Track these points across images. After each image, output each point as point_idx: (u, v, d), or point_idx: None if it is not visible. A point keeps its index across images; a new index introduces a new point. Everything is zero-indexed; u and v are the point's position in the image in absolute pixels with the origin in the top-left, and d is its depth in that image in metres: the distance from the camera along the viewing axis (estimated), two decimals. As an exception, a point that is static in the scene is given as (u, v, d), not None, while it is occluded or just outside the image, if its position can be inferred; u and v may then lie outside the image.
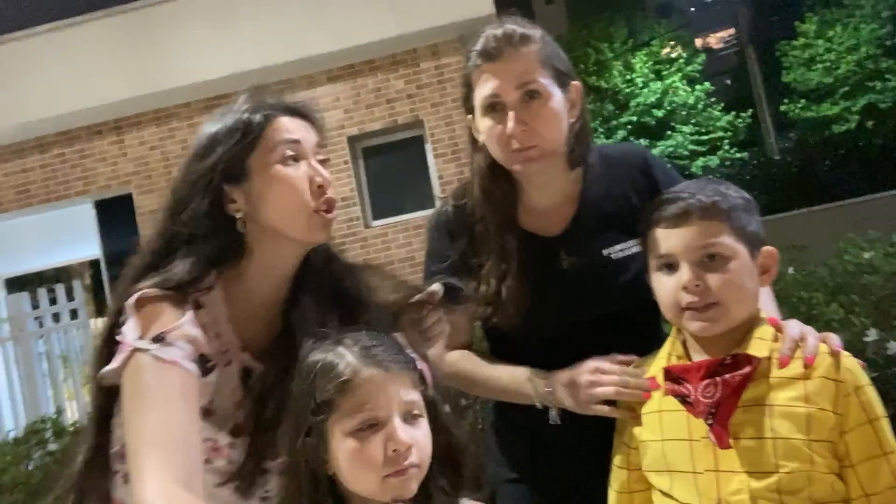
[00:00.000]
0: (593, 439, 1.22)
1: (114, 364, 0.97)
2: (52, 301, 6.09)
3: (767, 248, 1.11)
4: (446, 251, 1.32)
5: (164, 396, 0.92)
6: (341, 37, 6.44)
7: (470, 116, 1.30)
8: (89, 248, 7.59)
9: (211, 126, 1.11)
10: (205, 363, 1.02)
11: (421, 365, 1.02)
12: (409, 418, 0.96)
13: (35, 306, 5.94)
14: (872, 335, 2.21)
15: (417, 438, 0.96)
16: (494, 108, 1.23)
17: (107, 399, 1.02)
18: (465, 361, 1.32)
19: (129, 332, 0.97)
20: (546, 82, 1.22)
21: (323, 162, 1.11)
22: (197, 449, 0.92)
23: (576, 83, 1.27)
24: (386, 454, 0.93)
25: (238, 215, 1.06)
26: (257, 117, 1.08)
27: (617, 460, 1.18)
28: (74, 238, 7.73)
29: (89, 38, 6.86)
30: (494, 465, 1.40)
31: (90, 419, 1.07)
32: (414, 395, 0.98)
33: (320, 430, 0.96)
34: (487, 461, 1.42)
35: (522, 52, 1.21)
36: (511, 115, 1.20)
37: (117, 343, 0.98)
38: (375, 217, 6.80)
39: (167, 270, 1.03)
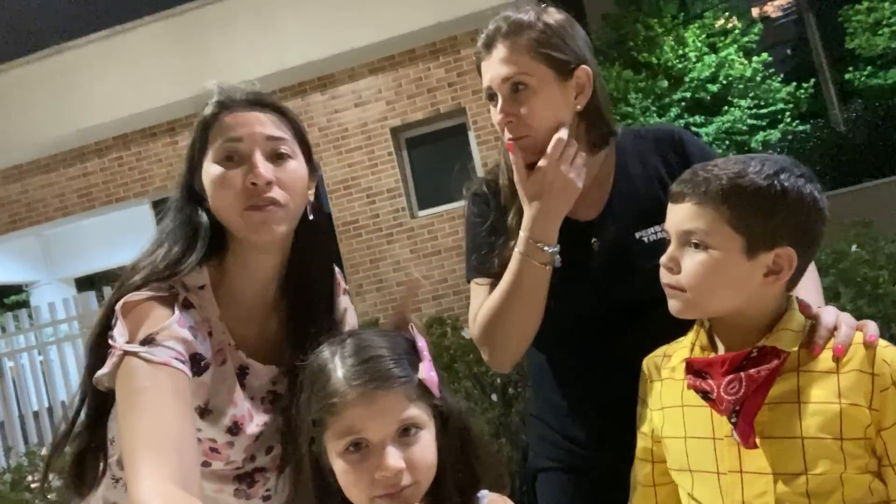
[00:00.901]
0: (619, 425, 1.19)
1: (106, 368, 0.97)
2: (117, 298, 6.33)
3: (783, 250, 0.99)
4: (482, 225, 1.32)
5: (157, 398, 0.91)
6: (381, 28, 6.45)
7: None
8: (150, 246, 7.88)
9: None
10: (198, 363, 1.01)
11: (424, 372, 0.95)
12: (405, 434, 0.92)
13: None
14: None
15: (413, 457, 0.91)
16: (490, 97, 1.25)
17: (102, 400, 1.03)
18: (483, 308, 1.27)
19: (118, 337, 0.98)
20: (536, 73, 1.20)
21: (281, 156, 1.06)
22: (192, 449, 0.91)
23: (584, 67, 1.24)
24: (374, 478, 0.90)
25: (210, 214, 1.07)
26: (208, 113, 1.07)
27: (639, 452, 1.14)
28: (135, 237, 8.02)
29: (141, 43, 7.08)
30: (533, 454, 1.40)
31: (85, 420, 1.07)
32: (411, 411, 0.92)
33: (321, 443, 0.95)
34: (529, 450, 1.42)
35: (511, 44, 1.21)
36: (498, 106, 1.23)
37: (109, 346, 0.99)
38: (421, 207, 6.82)
39: (149, 265, 1.04)
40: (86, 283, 9.51)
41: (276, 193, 1.03)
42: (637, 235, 1.25)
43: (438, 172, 6.81)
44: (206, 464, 1.07)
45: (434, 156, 6.85)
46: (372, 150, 6.77)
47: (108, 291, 6.10)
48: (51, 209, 7.64)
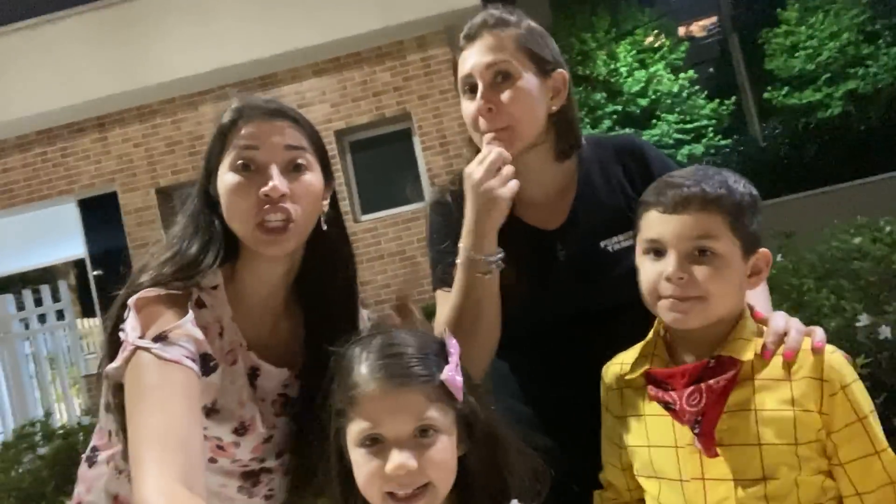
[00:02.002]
0: (582, 431, 1.20)
1: (116, 362, 0.96)
2: (38, 302, 6.02)
3: (763, 251, 1.06)
4: (444, 234, 1.30)
5: (165, 395, 0.91)
6: (327, 29, 6.39)
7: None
8: (74, 247, 7.51)
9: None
10: (207, 363, 1.01)
11: (448, 374, 0.94)
12: (423, 435, 0.91)
13: (20, 308, 5.88)
14: (864, 320, 2.23)
15: (429, 459, 0.90)
16: (470, 88, 1.24)
17: (118, 394, 1.01)
18: (438, 319, 1.27)
19: (131, 331, 0.97)
20: (519, 64, 1.22)
21: (298, 168, 1.05)
22: (198, 448, 0.91)
23: (561, 71, 1.26)
24: (386, 475, 0.90)
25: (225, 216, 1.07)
26: (226, 120, 1.07)
27: (610, 458, 1.16)
28: (58, 238, 7.65)
29: (70, 35, 6.76)
30: None
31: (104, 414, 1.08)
32: (430, 412, 0.91)
33: (344, 434, 0.95)
34: None
35: (497, 34, 1.22)
36: (479, 93, 1.21)
37: (121, 340, 0.98)
38: (364, 212, 6.78)
39: (181, 252, 1.04)
40: (0, 286, 8.95)
41: (289, 206, 1.03)
42: (602, 245, 1.27)
43: (382, 177, 6.79)
44: (212, 460, 1.07)
45: (378, 160, 6.82)
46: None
47: (27, 295, 5.82)
48: (-34, 206, 7.18)
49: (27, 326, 6.00)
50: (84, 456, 1.18)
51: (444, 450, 0.93)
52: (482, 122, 1.21)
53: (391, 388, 0.91)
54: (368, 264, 6.54)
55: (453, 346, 0.99)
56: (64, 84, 6.59)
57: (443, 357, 0.97)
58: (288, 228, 1.03)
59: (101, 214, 7.11)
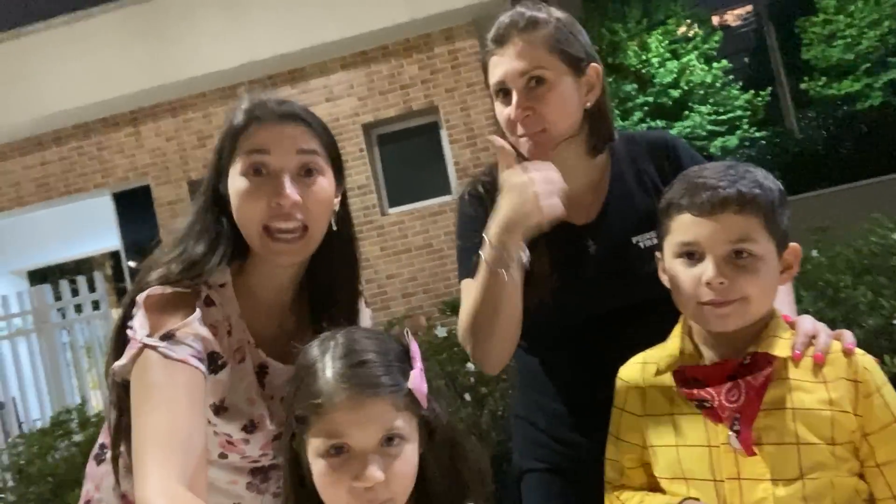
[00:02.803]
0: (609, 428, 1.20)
1: (123, 360, 0.97)
2: (74, 292, 6.17)
3: (793, 246, 1.05)
4: (477, 227, 1.27)
5: (170, 395, 0.91)
6: (354, 23, 6.39)
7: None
8: (109, 239, 7.68)
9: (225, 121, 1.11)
10: (215, 361, 1.01)
11: (414, 382, 0.92)
12: (388, 444, 0.89)
13: (57, 298, 6.02)
14: (902, 319, 2.16)
15: (393, 470, 0.89)
16: (504, 93, 1.23)
17: (123, 393, 1.01)
18: (462, 312, 1.25)
19: (139, 329, 0.97)
20: (553, 68, 1.20)
21: (310, 172, 1.05)
22: (201, 449, 0.91)
23: (594, 65, 1.25)
24: (353, 487, 0.87)
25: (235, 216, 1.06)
26: (239, 122, 1.06)
27: (624, 457, 1.14)
28: (94, 230, 7.82)
29: (104, 30, 6.87)
30: (518, 454, 1.40)
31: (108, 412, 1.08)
32: (397, 421, 0.90)
33: (302, 441, 0.92)
34: (513, 450, 1.42)
35: (529, 38, 1.20)
36: (514, 101, 1.20)
37: (128, 338, 0.98)
38: (392, 205, 6.78)
39: (187, 250, 1.04)
40: (39, 277, 9.19)
41: (300, 214, 1.03)
42: (634, 240, 1.26)
43: (410, 170, 6.79)
44: (222, 455, 1.08)
45: (405, 153, 6.82)
46: (343, 146, 6.58)
47: (64, 286, 5.97)
48: (5, 199, 7.36)
49: (64, 316, 6.15)
50: (93, 453, 1.20)
51: (409, 460, 0.91)
52: (519, 126, 1.21)
53: (359, 399, 0.88)
54: (395, 257, 6.56)
55: (415, 351, 0.97)
56: (98, 79, 6.70)
57: (406, 362, 0.95)
58: (303, 238, 1.04)
59: (135, 207, 7.24)
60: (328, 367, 0.90)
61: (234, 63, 6.48)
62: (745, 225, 0.99)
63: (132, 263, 7.36)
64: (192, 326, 0.97)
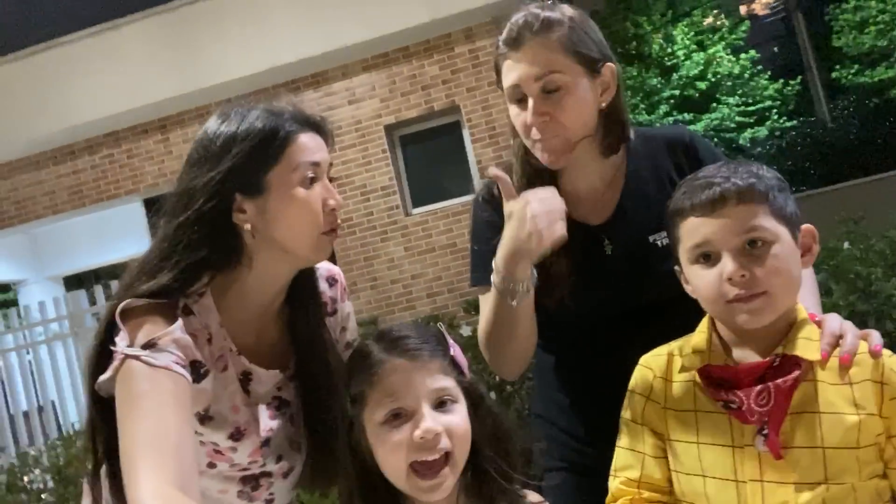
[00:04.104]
0: None
1: (107, 373, 0.96)
2: (109, 297, 6.28)
3: (806, 227, 1.04)
4: (491, 230, 1.28)
5: (157, 401, 0.91)
6: (375, 25, 6.42)
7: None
8: (141, 244, 7.81)
9: (224, 127, 1.07)
10: (198, 369, 1.01)
11: (455, 351, 1.02)
12: (441, 405, 0.98)
13: (92, 302, 6.16)
14: (933, 313, 2.11)
15: (451, 423, 0.97)
16: (518, 97, 1.21)
17: (103, 408, 1.00)
18: (479, 323, 1.27)
19: (119, 341, 0.97)
20: (569, 70, 1.18)
21: (331, 180, 1.11)
22: (191, 453, 0.91)
23: (610, 65, 1.23)
24: (413, 440, 0.94)
25: (246, 227, 1.03)
26: (281, 132, 1.04)
27: (647, 447, 1.10)
28: (126, 235, 7.98)
29: (131, 40, 7.01)
30: (539, 453, 1.39)
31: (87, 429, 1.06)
32: (445, 382, 0.99)
33: (360, 423, 0.99)
34: (534, 449, 1.41)
35: (543, 41, 1.18)
36: (530, 107, 1.19)
37: (110, 354, 0.97)
38: (415, 205, 6.80)
39: (155, 277, 1.00)
40: (74, 282, 9.41)
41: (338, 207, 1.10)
42: (651, 239, 1.24)
43: (433, 170, 6.81)
44: (211, 465, 1.07)
45: (428, 153, 6.84)
46: (366, 147, 6.74)
47: (98, 290, 6.09)
48: (40, 207, 7.56)
49: (99, 320, 6.27)
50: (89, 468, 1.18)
51: (463, 418, 0.99)
52: (534, 131, 1.20)
53: (408, 363, 0.98)
54: (420, 257, 6.59)
55: (449, 339, 1.06)
56: (127, 88, 6.83)
57: (443, 343, 1.04)
58: (336, 231, 1.10)
59: (165, 213, 7.36)
60: (374, 346, 1.02)
61: (258, 69, 6.56)
62: (749, 214, 0.98)
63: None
64: (174, 334, 0.97)
